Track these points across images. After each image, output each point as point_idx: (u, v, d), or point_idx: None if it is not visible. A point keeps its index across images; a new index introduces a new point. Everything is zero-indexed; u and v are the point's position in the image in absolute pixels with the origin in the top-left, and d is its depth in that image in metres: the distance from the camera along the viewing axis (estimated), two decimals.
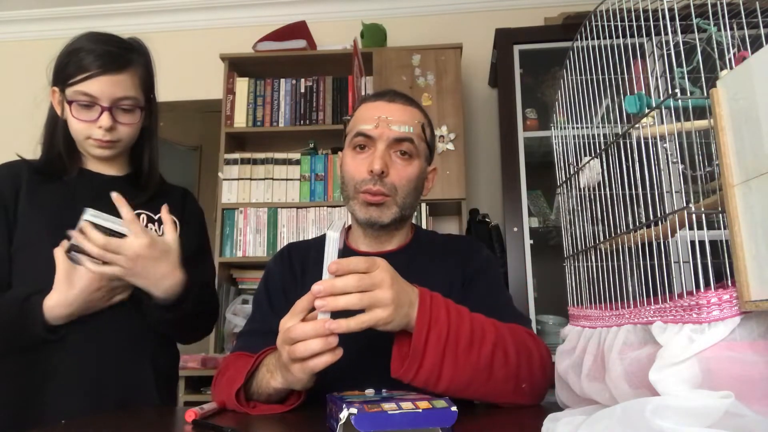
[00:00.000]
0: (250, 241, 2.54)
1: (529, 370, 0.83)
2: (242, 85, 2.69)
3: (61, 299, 0.96)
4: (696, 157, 0.63)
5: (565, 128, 0.82)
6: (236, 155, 2.62)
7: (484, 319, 0.83)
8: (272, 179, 2.60)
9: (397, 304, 0.73)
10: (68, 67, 1.05)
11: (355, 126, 1.03)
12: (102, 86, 1.03)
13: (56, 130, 1.10)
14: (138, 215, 1.11)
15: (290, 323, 0.75)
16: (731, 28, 0.58)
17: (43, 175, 1.09)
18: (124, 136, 1.09)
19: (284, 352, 0.76)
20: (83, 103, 1.04)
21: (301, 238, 2.23)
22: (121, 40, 1.10)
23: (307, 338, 0.72)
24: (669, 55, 0.56)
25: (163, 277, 1.00)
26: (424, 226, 2.37)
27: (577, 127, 0.78)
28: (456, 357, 0.77)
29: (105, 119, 1.04)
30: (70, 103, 1.04)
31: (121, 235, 0.95)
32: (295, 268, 1.08)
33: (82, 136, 1.07)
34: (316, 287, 0.71)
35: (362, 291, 0.71)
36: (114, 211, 0.99)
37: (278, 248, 2.50)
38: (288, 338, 0.74)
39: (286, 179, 2.60)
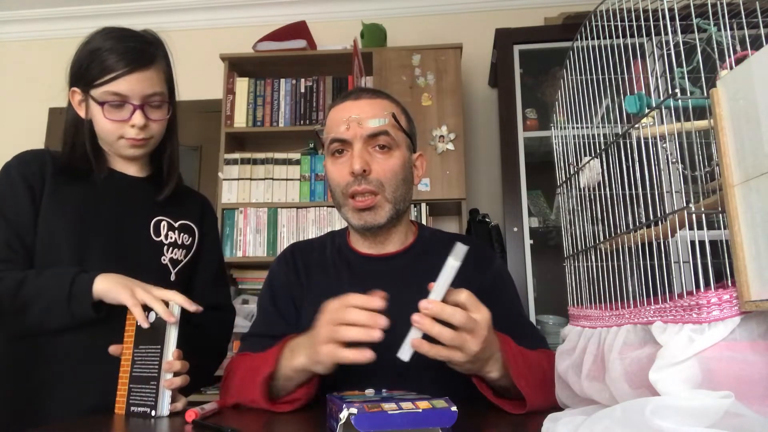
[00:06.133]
0: (250, 241, 2.54)
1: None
2: (242, 85, 2.68)
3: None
4: (696, 157, 0.63)
5: (565, 128, 0.82)
6: (236, 155, 2.61)
7: (535, 356, 0.88)
8: (272, 179, 2.59)
9: (477, 357, 0.76)
10: (91, 68, 1.02)
11: (328, 133, 1.03)
12: (132, 84, 1.02)
13: (80, 131, 1.08)
14: (158, 222, 1.13)
15: (336, 310, 0.77)
16: (731, 28, 0.58)
17: (66, 174, 1.06)
18: (156, 132, 1.09)
19: (325, 330, 0.78)
20: (114, 104, 1.02)
21: (301, 238, 2.23)
22: (139, 35, 1.08)
23: (357, 324, 0.75)
24: (669, 55, 0.56)
25: None
26: None
27: (577, 127, 0.78)
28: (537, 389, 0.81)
29: (138, 117, 1.03)
30: (101, 104, 1.02)
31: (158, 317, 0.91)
32: (299, 270, 1.08)
33: (113, 136, 1.05)
34: (425, 304, 0.72)
35: (459, 329, 0.73)
36: (133, 214, 1.08)
37: (278, 248, 2.50)
38: (339, 317, 0.77)
39: (286, 179, 2.60)
